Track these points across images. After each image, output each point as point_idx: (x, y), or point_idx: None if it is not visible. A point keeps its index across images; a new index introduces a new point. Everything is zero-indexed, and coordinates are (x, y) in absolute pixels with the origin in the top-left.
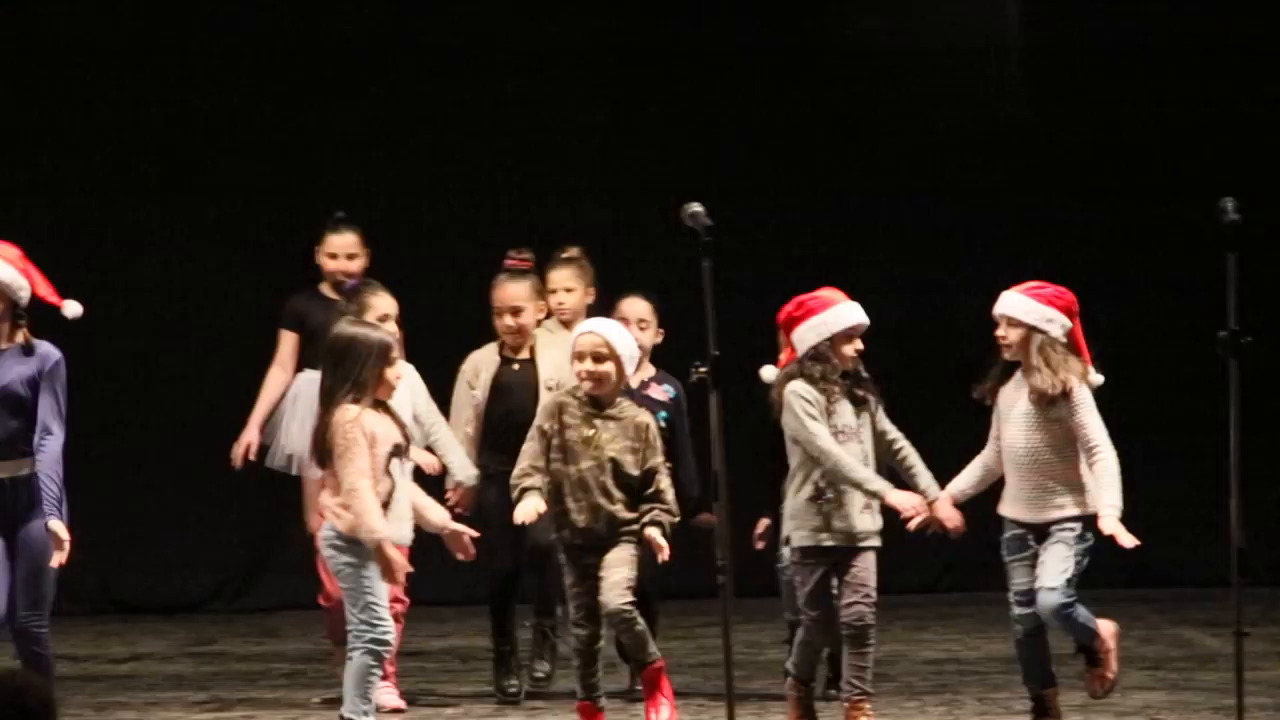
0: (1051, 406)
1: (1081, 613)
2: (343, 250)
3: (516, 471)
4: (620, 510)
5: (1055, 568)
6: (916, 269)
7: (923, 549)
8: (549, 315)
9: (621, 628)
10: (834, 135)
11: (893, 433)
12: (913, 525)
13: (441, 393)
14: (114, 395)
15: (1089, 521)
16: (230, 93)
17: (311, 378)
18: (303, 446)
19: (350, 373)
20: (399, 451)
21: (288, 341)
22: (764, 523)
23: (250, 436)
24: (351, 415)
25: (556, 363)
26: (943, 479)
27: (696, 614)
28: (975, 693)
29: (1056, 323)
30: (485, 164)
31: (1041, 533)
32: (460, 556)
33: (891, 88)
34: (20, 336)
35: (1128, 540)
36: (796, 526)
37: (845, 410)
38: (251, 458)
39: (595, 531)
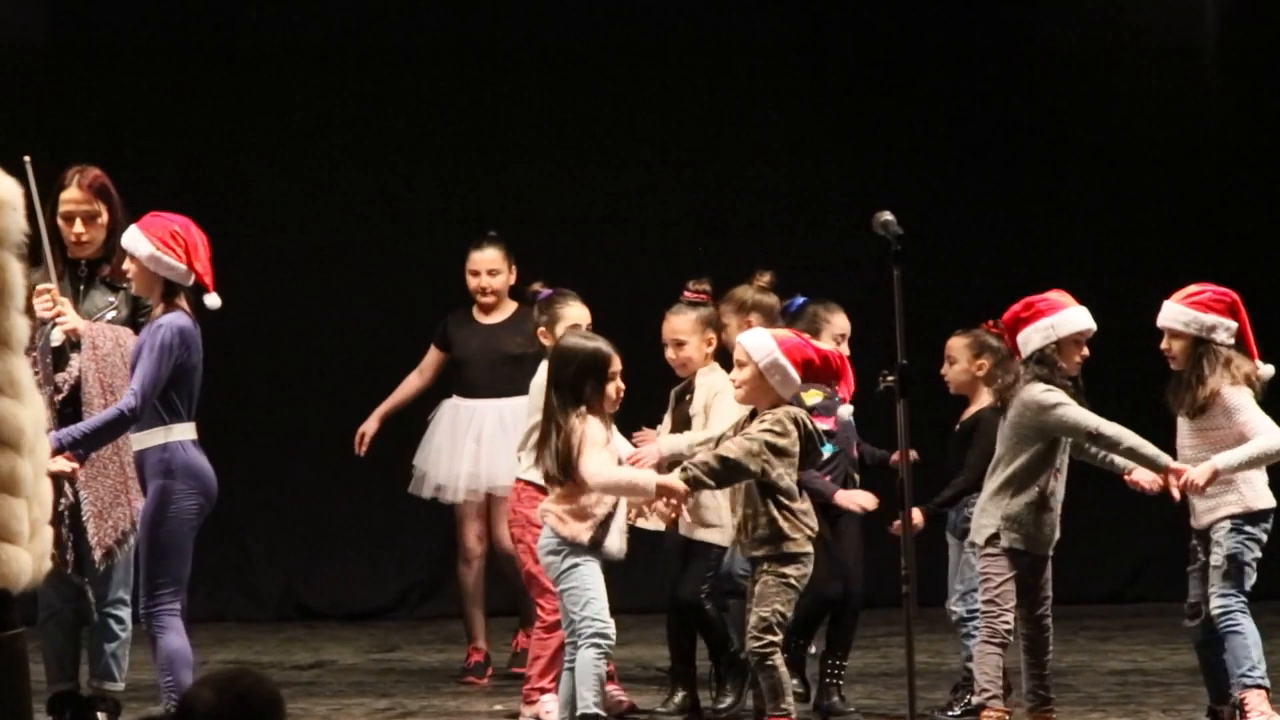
0: (1202, 417)
1: (1246, 632)
2: (484, 267)
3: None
4: (754, 519)
5: (1215, 573)
6: (1106, 277)
7: (1110, 558)
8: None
9: (755, 669)
10: (1022, 139)
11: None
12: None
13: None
14: (301, 406)
15: (1247, 518)
16: (416, 100)
17: (455, 404)
18: (450, 475)
19: (598, 386)
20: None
21: (432, 354)
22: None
23: (367, 427)
24: (590, 422)
25: (709, 391)
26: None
27: (880, 623)
28: (1159, 704)
29: (1220, 328)
30: (668, 175)
31: (1206, 540)
32: (661, 508)
33: (1085, 90)
34: (160, 310)
35: (1175, 490)
36: (1008, 528)
37: None
38: (361, 448)
39: (743, 544)
